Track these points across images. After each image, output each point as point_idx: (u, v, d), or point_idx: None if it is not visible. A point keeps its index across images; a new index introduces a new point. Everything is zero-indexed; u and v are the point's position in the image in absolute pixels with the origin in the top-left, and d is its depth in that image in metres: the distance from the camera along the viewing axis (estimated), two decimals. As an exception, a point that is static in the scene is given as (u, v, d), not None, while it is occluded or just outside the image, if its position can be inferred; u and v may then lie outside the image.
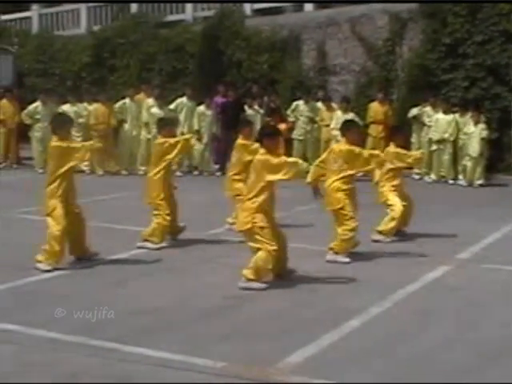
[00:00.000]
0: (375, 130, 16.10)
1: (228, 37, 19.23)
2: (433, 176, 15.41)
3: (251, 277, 6.94)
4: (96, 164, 16.19)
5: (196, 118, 16.24)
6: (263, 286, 6.95)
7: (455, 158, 15.17)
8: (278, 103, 16.43)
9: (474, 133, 14.59)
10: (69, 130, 8.13)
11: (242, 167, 9.40)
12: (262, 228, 6.99)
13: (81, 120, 16.41)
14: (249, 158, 8.84)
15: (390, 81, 17.31)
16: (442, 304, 6.66)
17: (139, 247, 8.70)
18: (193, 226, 9.36)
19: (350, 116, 14.47)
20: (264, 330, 5.86)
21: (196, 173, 16.28)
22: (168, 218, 8.82)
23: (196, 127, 16.06)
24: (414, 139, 15.75)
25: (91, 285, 7.21)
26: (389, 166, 9.26)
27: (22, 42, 23.17)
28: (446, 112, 15.06)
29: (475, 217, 11.16)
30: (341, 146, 8.38)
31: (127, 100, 16.62)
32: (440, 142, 15.15)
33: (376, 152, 8.64)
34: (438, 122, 15.18)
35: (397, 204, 9.21)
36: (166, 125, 9.26)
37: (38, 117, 16.71)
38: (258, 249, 6.97)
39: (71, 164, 7.68)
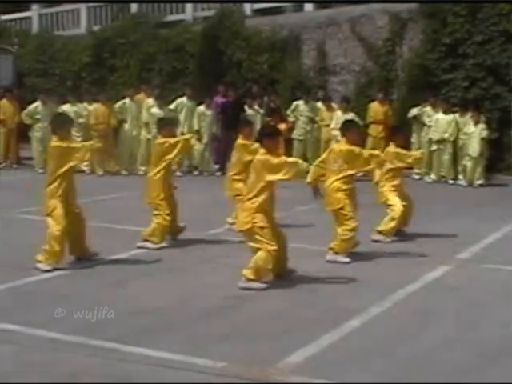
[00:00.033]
0: (375, 130, 16.10)
1: (228, 37, 19.23)
2: (433, 176, 15.41)
3: (251, 277, 6.95)
4: (96, 164, 16.20)
5: (196, 118, 16.24)
6: (263, 286, 6.96)
7: (455, 158, 15.17)
8: (278, 103, 16.43)
9: (474, 133, 14.59)
10: (69, 130, 8.14)
11: (241, 167, 9.40)
12: (261, 228, 6.99)
13: (81, 120, 16.42)
14: (249, 158, 8.84)
15: (390, 81, 17.31)
16: (442, 304, 6.66)
17: (139, 247, 8.70)
18: (193, 226, 9.36)
19: (350, 116, 14.47)
20: (264, 330, 5.86)
21: (196, 173, 16.28)
22: (168, 218, 8.82)
23: (196, 127, 16.06)
24: (413, 139, 15.75)
25: (91, 285, 7.21)
26: (389, 165, 9.27)
27: (22, 41, 23.17)
28: (445, 112, 15.07)
29: (475, 217, 11.16)
30: (341, 146, 8.38)
31: (127, 100, 16.62)
32: (440, 141, 15.16)
33: (376, 152, 8.64)
34: (437, 122, 15.18)
35: (397, 204, 9.21)
36: (166, 125, 9.26)
37: (37, 117, 16.71)
38: (258, 249, 6.97)
39: (71, 164, 7.68)
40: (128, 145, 16.51)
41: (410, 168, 14.63)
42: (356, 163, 8.12)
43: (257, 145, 8.15)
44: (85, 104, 17.02)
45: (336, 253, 8.12)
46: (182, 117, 16.22)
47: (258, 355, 5.28)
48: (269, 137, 7.22)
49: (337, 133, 13.04)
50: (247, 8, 20.18)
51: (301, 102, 16.55)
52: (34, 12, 24.79)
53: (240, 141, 9.50)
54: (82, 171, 14.94)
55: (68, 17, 24.26)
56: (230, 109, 15.95)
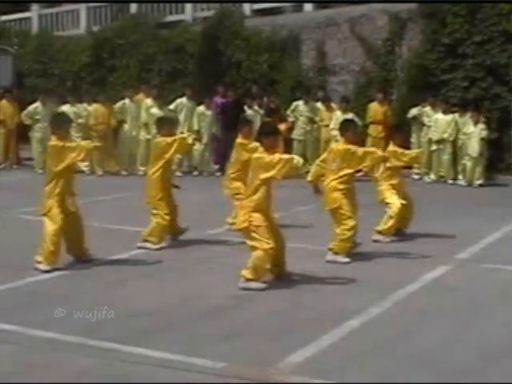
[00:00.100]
0: (375, 130, 16.11)
1: (227, 37, 19.23)
2: (432, 176, 15.42)
3: (249, 276, 6.95)
4: (96, 164, 16.22)
5: (196, 118, 16.26)
6: (262, 285, 6.95)
7: (455, 158, 15.18)
8: (278, 103, 16.43)
9: (474, 133, 14.60)
10: (67, 130, 8.13)
11: (240, 166, 9.46)
12: (257, 227, 7.00)
13: (80, 120, 16.42)
14: (246, 156, 8.91)
15: (390, 81, 17.32)
16: (441, 304, 6.66)
17: (139, 247, 8.70)
18: (193, 226, 9.35)
19: (350, 116, 14.47)
20: (264, 330, 5.86)
21: (196, 173, 16.29)
22: (167, 217, 8.81)
23: (196, 127, 16.05)
24: (413, 139, 15.76)
25: (91, 285, 7.21)
26: (386, 164, 9.30)
27: (21, 42, 23.17)
28: (445, 112, 15.07)
29: (475, 217, 11.16)
30: (339, 145, 8.41)
31: (127, 100, 16.63)
32: (439, 142, 15.17)
33: (371, 149, 8.63)
34: (437, 122, 15.19)
35: (394, 202, 9.21)
36: (165, 124, 9.26)
37: (37, 117, 16.72)
38: (256, 248, 6.98)
39: (66, 163, 7.67)
40: (128, 145, 16.52)
41: (410, 168, 14.68)
42: (352, 162, 8.13)
43: (255, 144, 8.20)
44: (84, 104, 17.02)
45: (335, 253, 8.12)
46: (181, 117, 16.23)
47: (257, 355, 5.28)
48: (267, 135, 7.24)
49: (336, 133, 13.00)
50: (247, 8, 20.19)
51: (300, 102, 16.56)
52: (34, 12, 24.78)
53: (239, 140, 9.56)
54: (82, 171, 14.95)
55: (68, 17, 24.25)
56: (230, 109, 15.96)
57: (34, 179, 14.15)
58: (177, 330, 5.87)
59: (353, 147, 8.17)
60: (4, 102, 17.93)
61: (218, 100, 16.46)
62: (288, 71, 18.44)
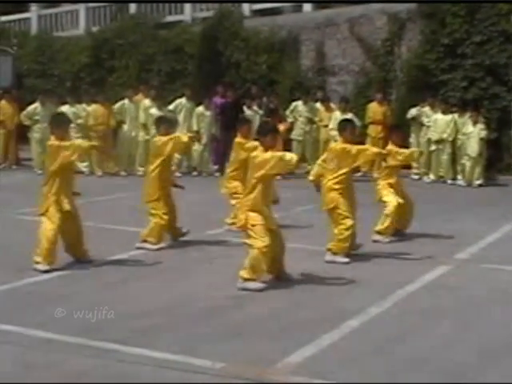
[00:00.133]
0: (374, 131, 16.12)
1: (227, 37, 19.23)
2: (432, 176, 15.42)
3: (247, 276, 6.95)
4: (95, 165, 16.22)
5: (195, 118, 16.25)
6: (260, 285, 6.94)
7: (454, 158, 15.18)
8: (277, 104, 16.43)
9: (473, 133, 14.60)
10: (66, 130, 8.12)
11: (238, 165, 9.51)
12: (253, 225, 7.02)
13: (80, 121, 16.40)
14: (244, 155, 8.96)
15: (389, 81, 17.32)
16: (441, 304, 6.66)
17: (138, 248, 8.70)
18: (192, 226, 9.35)
19: (349, 116, 14.46)
20: (263, 331, 5.86)
21: (195, 173, 16.29)
22: (165, 217, 8.81)
23: (195, 128, 16.04)
24: (412, 139, 15.76)
25: (90, 285, 7.21)
26: (383, 163, 9.35)
27: (21, 43, 23.14)
28: (444, 112, 15.08)
29: (474, 217, 11.17)
30: (337, 145, 8.45)
31: (126, 101, 16.61)
32: (439, 142, 15.17)
33: (364, 147, 8.58)
34: (436, 122, 15.19)
35: (391, 201, 9.21)
36: (163, 124, 9.26)
37: (37, 118, 16.69)
38: (252, 246, 6.99)
39: (59, 162, 7.67)
40: (127, 146, 16.51)
41: (409, 168, 14.70)
42: (347, 160, 8.13)
43: (252, 143, 8.22)
44: (84, 105, 17.00)
45: (334, 253, 8.13)
46: (181, 117, 16.22)
47: (257, 355, 5.28)
48: (265, 135, 7.26)
49: (335, 133, 12.96)
50: (246, 9, 20.19)
51: (300, 103, 16.56)
52: (33, 13, 24.78)
53: (237, 139, 9.60)
54: (82, 172, 14.95)
55: (67, 18, 24.25)
56: (229, 109, 15.96)
57: (33, 180, 14.14)
58: (176, 330, 5.87)
59: (348, 146, 8.18)
60: (3, 102, 17.92)
61: (218, 100, 16.46)
62: (287, 71, 18.45)
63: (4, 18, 24.87)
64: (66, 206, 7.74)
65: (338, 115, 15.27)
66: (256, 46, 18.88)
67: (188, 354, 5.25)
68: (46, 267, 7.54)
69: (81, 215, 8.00)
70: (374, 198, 9.51)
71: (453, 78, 16.09)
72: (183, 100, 16.58)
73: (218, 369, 5.02)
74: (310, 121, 16.48)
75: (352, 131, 8.46)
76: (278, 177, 9.87)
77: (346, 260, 8.07)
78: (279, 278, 7.27)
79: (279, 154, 7.14)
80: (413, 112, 15.73)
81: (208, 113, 16.28)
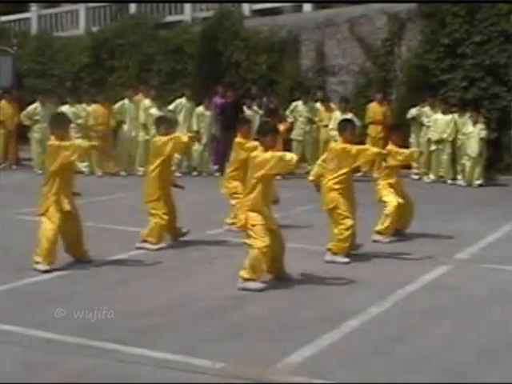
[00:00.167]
0: (374, 131, 16.12)
1: (227, 37, 19.23)
2: (432, 176, 15.42)
3: (246, 276, 6.95)
4: (95, 165, 16.23)
5: (195, 118, 16.25)
6: (260, 285, 6.93)
7: (454, 158, 15.18)
8: (277, 104, 16.43)
9: (473, 133, 14.60)
10: (66, 130, 8.13)
11: (237, 165, 9.52)
12: (253, 225, 7.03)
13: (80, 121, 16.39)
14: (244, 155, 8.98)
15: (389, 81, 17.32)
16: (441, 304, 6.66)
17: (138, 248, 8.70)
18: (192, 226, 9.35)
19: (349, 116, 14.46)
20: (263, 331, 5.86)
21: (195, 173, 16.29)
22: (165, 217, 8.81)
23: (195, 128, 16.04)
24: (412, 139, 15.76)
25: (90, 285, 7.21)
26: (384, 163, 9.35)
27: (21, 43, 23.14)
28: (444, 112, 15.08)
29: (474, 217, 11.16)
30: (337, 145, 8.45)
31: (126, 101, 16.61)
32: (439, 142, 15.17)
33: (364, 147, 8.55)
34: (436, 122, 15.19)
35: (391, 201, 9.21)
36: (163, 123, 9.26)
37: (37, 118, 16.69)
38: (251, 246, 6.99)
39: (59, 162, 7.68)
40: (127, 146, 16.51)
41: (409, 168, 14.70)
42: (347, 160, 8.13)
43: (252, 143, 8.22)
44: (84, 105, 16.99)
45: (334, 253, 8.12)
46: (181, 118, 16.22)
47: (257, 355, 5.28)
48: (265, 134, 7.27)
49: (335, 133, 12.98)
50: (246, 9, 20.19)
51: (299, 103, 16.56)
52: (33, 13, 24.78)
53: (237, 139, 9.61)
54: (82, 172, 14.95)
55: (67, 18, 24.24)
56: (229, 109, 15.96)
57: (33, 180, 14.14)
58: (176, 330, 5.87)
59: (348, 146, 8.18)
60: (3, 102, 17.92)
61: (218, 100, 16.46)
62: (287, 72, 18.44)
63: (4, 18, 24.87)
64: (66, 206, 7.74)
65: (338, 115, 15.27)
66: (256, 46, 18.88)
67: (188, 354, 5.25)
68: (46, 267, 7.55)
69: (81, 215, 8.00)
70: (374, 198, 9.51)
71: (453, 78, 16.09)
72: (183, 100, 16.58)
73: (217, 369, 5.02)
74: (310, 121, 16.48)
75: (352, 131, 8.47)
76: (278, 177, 9.88)
77: (346, 260, 8.07)
78: (279, 278, 7.27)
79: (279, 154, 7.14)
80: (413, 112, 15.73)
81: (208, 113, 16.28)
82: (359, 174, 14.93)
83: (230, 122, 14.67)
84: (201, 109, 16.29)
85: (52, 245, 7.62)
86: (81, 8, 23.63)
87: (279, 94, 17.71)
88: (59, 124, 7.99)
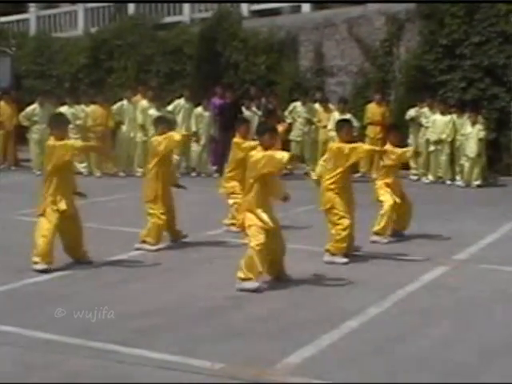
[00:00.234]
0: (372, 131, 16.12)
1: (225, 38, 19.22)
2: (430, 177, 15.42)
3: (243, 276, 6.95)
4: (94, 166, 16.22)
5: (194, 119, 16.24)
6: (256, 284, 6.90)
7: (453, 159, 15.19)
8: (275, 104, 16.42)
9: (472, 133, 14.60)
10: (65, 130, 8.14)
11: (234, 165, 9.54)
12: (249, 226, 7.04)
13: (78, 122, 16.37)
14: (241, 155, 9.00)
15: (388, 82, 17.32)
16: (441, 304, 6.66)
17: (137, 249, 8.70)
18: (191, 227, 9.35)
19: (348, 117, 14.46)
20: (262, 331, 5.86)
21: (194, 174, 16.28)
22: (163, 216, 8.80)
23: (194, 129, 16.04)
24: (410, 140, 15.75)
25: (90, 286, 7.20)
26: (381, 163, 9.38)
27: (19, 43, 23.13)
28: (443, 113, 15.08)
29: (473, 217, 11.17)
30: (334, 145, 8.46)
31: (125, 102, 16.61)
32: (437, 142, 15.17)
33: (356, 145, 8.46)
34: (435, 122, 15.19)
35: (387, 201, 9.21)
36: (161, 123, 9.26)
37: (35, 119, 16.68)
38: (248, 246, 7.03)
39: (53, 162, 7.69)
40: (125, 146, 16.51)
41: (408, 168, 14.71)
42: (341, 160, 8.13)
43: (249, 143, 8.24)
44: (82, 106, 16.97)
45: (333, 254, 8.12)
46: (179, 118, 16.22)
47: (256, 356, 5.28)
48: (263, 134, 7.30)
49: (334, 134, 13.02)
50: (244, 9, 20.18)
51: (298, 104, 16.55)
52: (32, 14, 24.74)
53: (235, 139, 9.62)
54: (80, 173, 14.94)
55: (65, 18, 24.22)
56: (228, 110, 15.93)
57: (31, 180, 14.13)
58: (175, 330, 5.87)
59: (343, 145, 8.18)
60: (2, 103, 17.91)
61: (216, 101, 16.45)
62: (286, 72, 18.44)
63: (3, 19, 24.84)
64: (62, 206, 7.72)
65: (336, 116, 15.23)
66: (255, 47, 18.87)
67: (187, 355, 5.25)
68: (44, 266, 7.55)
69: (80, 217, 8.00)
70: (372, 198, 9.51)
71: (451, 78, 16.09)
72: (182, 101, 16.57)
73: (217, 369, 5.02)
74: (309, 122, 16.48)
75: (348, 131, 8.46)
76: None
77: (345, 260, 8.07)
78: (279, 279, 7.27)
79: (270, 152, 7.14)
80: (411, 113, 15.74)
81: (207, 114, 16.28)
82: (358, 174, 14.95)
83: (228, 122, 14.64)
84: (199, 109, 16.29)
85: (48, 244, 7.62)
86: (79, 9, 23.61)
87: (278, 94, 17.68)
88: (58, 124, 8.00)
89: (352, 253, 8.28)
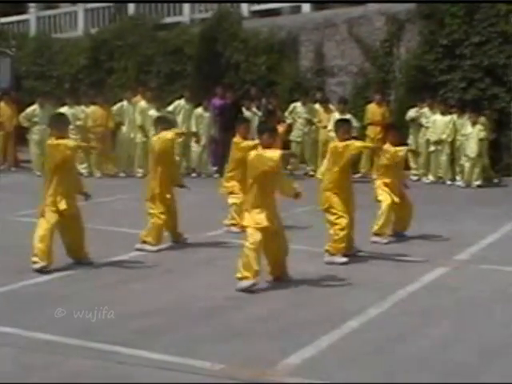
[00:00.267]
0: (373, 132, 16.10)
1: (226, 39, 19.22)
2: (431, 177, 15.42)
3: (240, 276, 6.96)
4: (94, 166, 16.22)
5: (194, 120, 16.24)
6: (252, 282, 6.89)
7: (453, 159, 15.18)
8: (276, 105, 16.41)
9: (472, 133, 14.60)
10: (66, 130, 8.14)
11: (234, 165, 9.56)
12: (246, 225, 7.05)
13: (78, 122, 16.36)
14: (240, 155, 9.00)
15: (388, 82, 17.31)
16: (441, 304, 6.66)
17: (137, 249, 8.69)
18: (191, 227, 9.35)
19: (348, 117, 14.46)
20: (263, 332, 5.85)
21: (194, 175, 16.28)
22: (162, 216, 8.79)
23: (194, 129, 16.03)
24: (410, 141, 15.74)
25: (90, 287, 7.20)
26: (379, 162, 9.40)
27: (19, 44, 23.13)
28: (443, 113, 15.08)
29: (474, 217, 11.16)
30: (332, 144, 8.47)
31: (125, 102, 16.61)
32: (438, 142, 15.17)
33: (349, 142, 8.35)
34: (435, 123, 15.19)
35: (385, 200, 9.21)
36: (161, 123, 9.26)
37: (35, 119, 16.68)
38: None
39: (50, 162, 7.71)
40: (126, 147, 16.51)
41: (408, 168, 14.69)
42: (337, 158, 8.13)
43: (247, 142, 8.23)
44: (82, 106, 16.96)
45: (332, 254, 8.12)
46: (179, 119, 16.21)
47: (256, 357, 5.28)
48: (262, 133, 7.32)
49: (334, 134, 13.05)
50: (245, 9, 20.18)
51: (298, 104, 16.55)
52: (32, 15, 24.75)
53: (235, 139, 9.63)
54: (80, 174, 14.92)
55: (65, 19, 24.22)
56: (228, 111, 15.93)
57: (31, 181, 14.14)
58: (175, 331, 5.87)
59: (339, 144, 8.18)
60: (2, 104, 17.91)
61: (217, 102, 16.45)
62: (286, 73, 18.44)
63: (3, 20, 24.84)
64: (62, 206, 7.72)
65: (336, 116, 15.23)
66: (255, 47, 18.87)
67: (187, 356, 5.25)
68: (43, 263, 7.54)
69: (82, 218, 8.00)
70: (371, 199, 9.51)
71: (451, 78, 16.08)
72: (182, 101, 16.57)
73: (217, 370, 5.02)
74: (309, 122, 16.48)
75: (346, 130, 8.45)
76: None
77: (345, 260, 8.06)
78: (279, 279, 7.26)
79: (262, 151, 7.14)
80: (411, 114, 15.74)
81: (207, 114, 16.27)
82: (358, 175, 14.94)
83: (228, 123, 14.63)
84: (200, 110, 16.28)
85: (46, 243, 7.61)
86: (79, 9, 23.61)
87: (278, 95, 17.68)
88: (58, 124, 8.01)
89: (352, 253, 8.27)
